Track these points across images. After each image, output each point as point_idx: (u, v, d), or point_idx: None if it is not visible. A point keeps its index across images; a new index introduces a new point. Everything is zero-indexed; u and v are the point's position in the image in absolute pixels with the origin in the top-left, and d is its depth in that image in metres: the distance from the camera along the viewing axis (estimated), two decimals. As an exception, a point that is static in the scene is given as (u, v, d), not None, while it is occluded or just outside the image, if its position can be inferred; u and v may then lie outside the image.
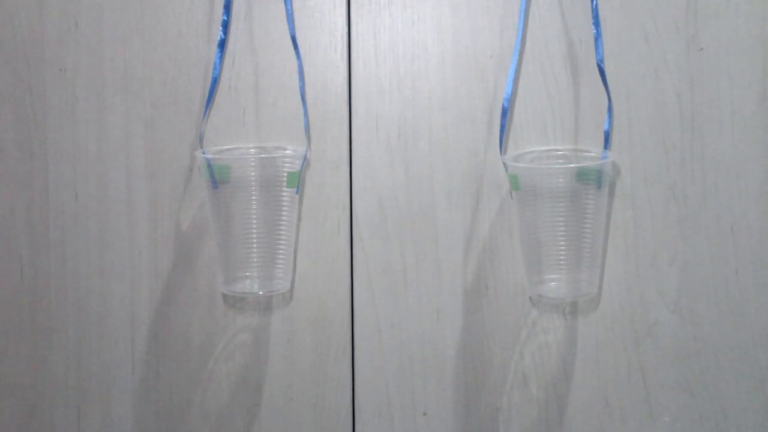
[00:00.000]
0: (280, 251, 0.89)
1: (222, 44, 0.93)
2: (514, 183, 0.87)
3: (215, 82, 0.93)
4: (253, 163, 0.88)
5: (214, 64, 0.93)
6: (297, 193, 0.90)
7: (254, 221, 0.88)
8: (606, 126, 0.89)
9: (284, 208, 0.89)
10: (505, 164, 0.88)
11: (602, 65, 0.89)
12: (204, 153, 0.90)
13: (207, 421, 0.94)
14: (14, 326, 0.96)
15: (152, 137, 0.94)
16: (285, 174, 0.88)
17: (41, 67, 0.95)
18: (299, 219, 0.92)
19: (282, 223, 0.89)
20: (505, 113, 0.90)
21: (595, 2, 0.89)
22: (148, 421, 0.95)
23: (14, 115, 0.96)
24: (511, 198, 0.88)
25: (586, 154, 0.90)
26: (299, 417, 0.94)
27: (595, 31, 0.89)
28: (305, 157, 0.90)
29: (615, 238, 0.90)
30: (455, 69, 0.92)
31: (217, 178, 0.88)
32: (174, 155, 0.94)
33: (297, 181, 0.89)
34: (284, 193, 0.88)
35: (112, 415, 0.95)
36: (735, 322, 0.90)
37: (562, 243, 0.86)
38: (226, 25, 0.93)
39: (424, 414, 0.93)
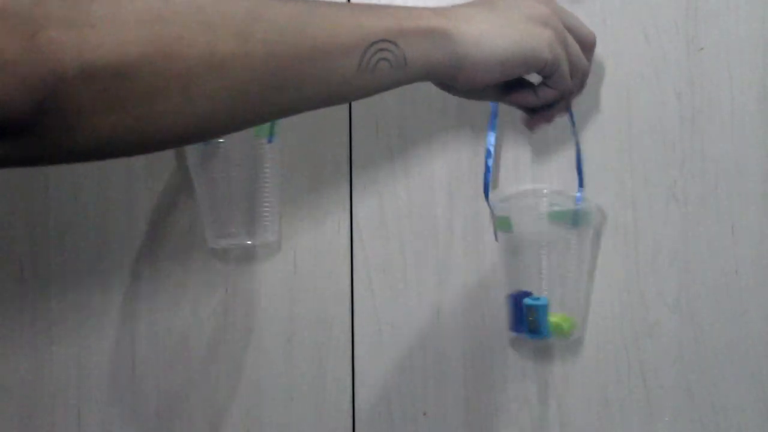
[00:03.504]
0: (265, 204, 0.89)
1: None
2: (505, 225, 0.86)
3: None
4: None
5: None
6: (270, 141, 0.89)
7: (238, 176, 0.88)
8: (577, 166, 0.89)
9: (262, 160, 0.89)
10: (491, 206, 0.87)
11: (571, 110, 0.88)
12: None
13: (207, 421, 0.94)
14: (14, 326, 0.96)
15: (152, 137, 0.94)
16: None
17: (41, 67, 0.95)
18: (281, 168, 0.91)
19: (264, 174, 0.89)
20: (490, 155, 0.89)
21: None
22: (148, 421, 0.95)
23: (14, 115, 0.95)
24: (496, 240, 0.88)
25: (568, 194, 0.89)
26: (299, 417, 0.94)
27: None
28: None
29: (615, 238, 0.90)
30: (455, 69, 0.92)
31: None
32: (174, 155, 0.94)
33: (268, 130, 0.89)
34: (257, 145, 0.88)
35: (112, 415, 0.95)
36: (735, 322, 0.90)
37: (544, 287, 0.86)
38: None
39: (424, 414, 0.93)
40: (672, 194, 0.90)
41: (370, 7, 0.62)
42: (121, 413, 0.95)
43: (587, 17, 0.90)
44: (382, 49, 0.61)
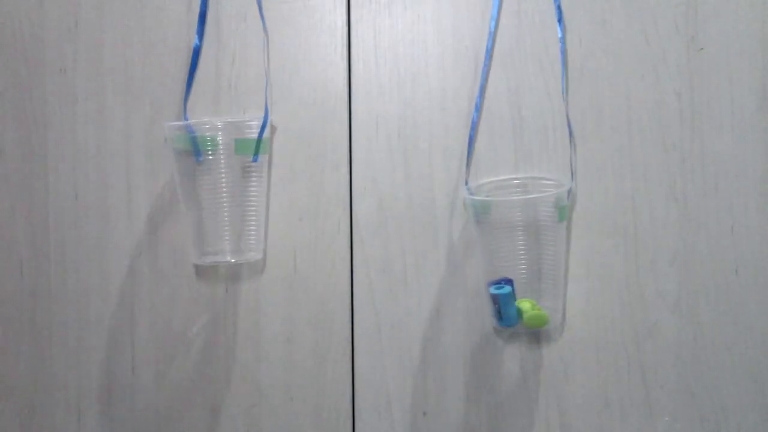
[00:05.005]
0: (251, 222, 0.90)
1: (202, 19, 0.93)
2: (480, 210, 0.87)
3: (197, 55, 0.93)
4: (220, 130, 0.89)
5: (194, 46, 0.93)
6: (255, 161, 0.89)
7: (224, 193, 0.89)
8: (571, 159, 0.90)
9: (248, 179, 0.89)
10: (466, 193, 0.89)
11: (565, 98, 0.89)
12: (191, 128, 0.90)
13: (207, 421, 0.94)
14: (14, 326, 0.96)
15: (152, 137, 0.94)
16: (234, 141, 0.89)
17: (41, 67, 0.95)
18: (268, 188, 0.92)
19: (249, 193, 0.90)
20: (471, 141, 0.90)
21: (563, 48, 0.90)
22: (148, 421, 0.95)
23: (14, 115, 0.96)
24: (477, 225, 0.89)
25: (546, 182, 0.90)
26: (299, 417, 0.94)
27: (562, 70, 0.90)
28: (265, 125, 0.90)
29: (614, 238, 0.90)
30: (455, 69, 0.92)
31: (202, 150, 0.89)
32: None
33: (252, 148, 0.89)
34: (244, 163, 0.89)
35: (112, 415, 0.95)
36: (735, 322, 0.90)
37: (523, 272, 0.86)
38: (204, 17, 0.93)
39: (424, 414, 0.93)
40: (672, 194, 0.90)
41: None
42: (121, 413, 0.95)
43: (587, 17, 0.90)
44: None
